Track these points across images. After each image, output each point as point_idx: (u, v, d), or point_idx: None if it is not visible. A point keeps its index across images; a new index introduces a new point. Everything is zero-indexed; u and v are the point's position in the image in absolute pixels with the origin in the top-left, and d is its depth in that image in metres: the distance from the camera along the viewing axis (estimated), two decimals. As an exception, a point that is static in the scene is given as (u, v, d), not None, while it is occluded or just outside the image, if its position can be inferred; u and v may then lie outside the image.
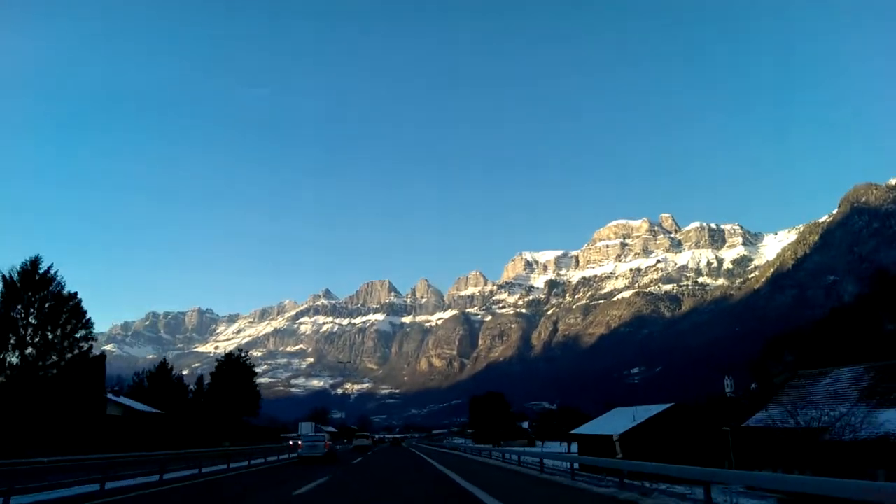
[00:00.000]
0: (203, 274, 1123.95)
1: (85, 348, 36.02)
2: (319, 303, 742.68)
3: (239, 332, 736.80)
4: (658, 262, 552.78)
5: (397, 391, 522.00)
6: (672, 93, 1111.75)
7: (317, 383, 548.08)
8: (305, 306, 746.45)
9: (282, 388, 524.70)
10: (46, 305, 34.44)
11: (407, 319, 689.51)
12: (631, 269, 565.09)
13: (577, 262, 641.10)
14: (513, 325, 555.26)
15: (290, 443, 56.47)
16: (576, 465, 24.69)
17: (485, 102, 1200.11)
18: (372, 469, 27.79)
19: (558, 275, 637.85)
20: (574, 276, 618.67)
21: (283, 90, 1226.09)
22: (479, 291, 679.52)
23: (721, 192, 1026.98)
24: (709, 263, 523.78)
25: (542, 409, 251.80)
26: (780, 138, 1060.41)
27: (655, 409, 40.93)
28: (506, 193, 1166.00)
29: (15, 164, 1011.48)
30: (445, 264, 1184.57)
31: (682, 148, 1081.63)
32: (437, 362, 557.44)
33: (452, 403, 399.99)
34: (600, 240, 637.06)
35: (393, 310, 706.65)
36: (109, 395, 48.08)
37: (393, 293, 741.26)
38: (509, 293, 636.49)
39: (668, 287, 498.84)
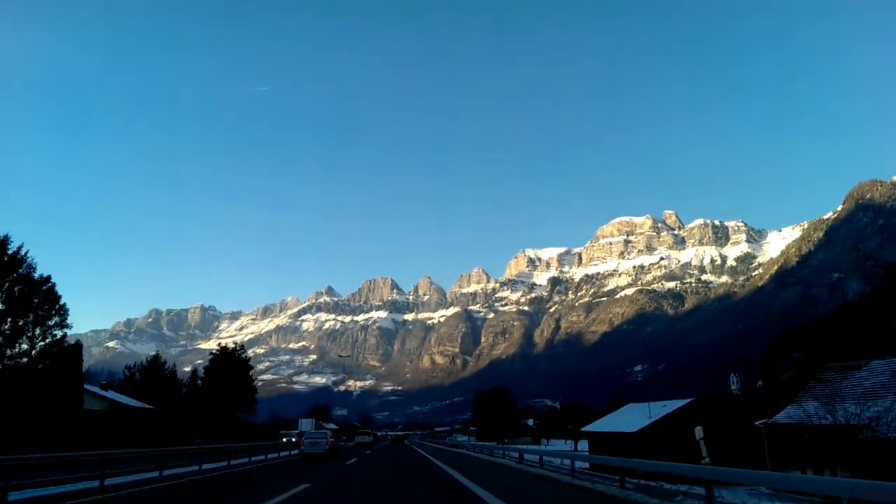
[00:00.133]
0: (206, 271, 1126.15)
1: (59, 336, 33.89)
2: (322, 300, 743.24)
3: (241, 328, 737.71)
4: (661, 259, 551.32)
5: (400, 388, 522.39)
6: (673, 90, 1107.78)
7: (319, 380, 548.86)
8: (308, 303, 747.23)
9: (284, 385, 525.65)
10: (16, 289, 32.22)
11: (409, 317, 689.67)
12: (634, 267, 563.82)
13: (580, 259, 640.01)
14: (515, 323, 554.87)
15: (284, 440, 55.50)
16: (587, 465, 23.88)
17: (486, 101, 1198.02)
18: (365, 475, 23.70)
19: (561, 272, 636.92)
20: (577, 273, 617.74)
21: (285, 87, 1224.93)
22: (482, 289, 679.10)
23: (725, 189, 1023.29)
24: (712, 260, 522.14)
25: (545, 407, 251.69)
26: (784, 135, 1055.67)
27: (672, 404, 38.86)
28: (508, 190, 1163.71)
29: (15, 163, 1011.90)
30: (448, 261, 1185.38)
31: (686, 144, 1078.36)
32: (439, 360, 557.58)
33: (455, 401, 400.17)
34: (603, 237, 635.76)
35: (395, 307, 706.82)
36: (93, 389, 46.57)
37: (395, 290, 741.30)
38: (512, 290, 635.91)
39: (671, 284, 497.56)
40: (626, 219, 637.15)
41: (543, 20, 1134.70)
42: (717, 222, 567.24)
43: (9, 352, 31.57)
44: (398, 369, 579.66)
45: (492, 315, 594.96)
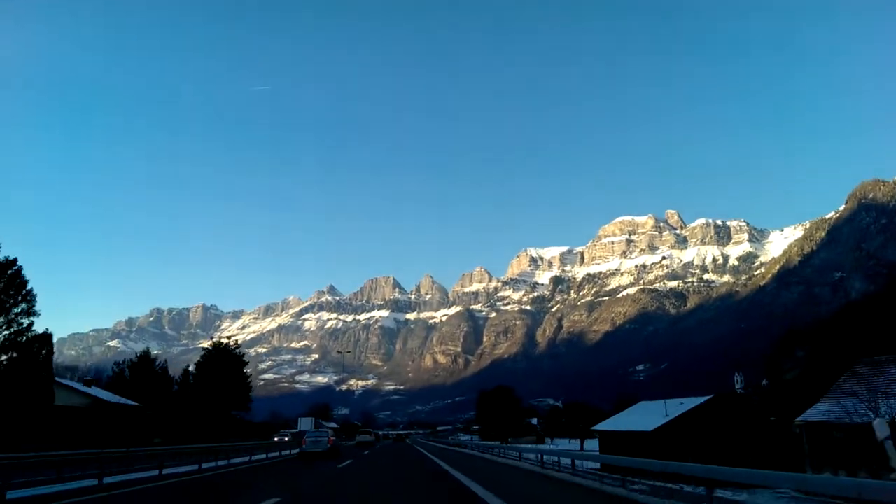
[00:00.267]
0: (207, 270, 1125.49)
1: (25, 325, 31.40)
2: (324, 299, 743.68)
3: (243, 328, 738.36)
4: (663, 258, 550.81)
5: (402, 388, 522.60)
6: (674, 89, 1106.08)
7: (321, 379, 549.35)
8: (310, 303, 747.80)
9: (286, 384, 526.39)
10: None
11: (411, 316, 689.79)
12: (636, 266, 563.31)
13: (582, 258, 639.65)
14: (517, 322, 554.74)
15: (276, 439, 54.64)
16: (596, 466, 23.42)
17: (486, 101, 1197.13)
18: (357, 483, 19.81)
19: (563, 271, 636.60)
20: (579, 272, 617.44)
21: (285, 87, 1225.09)
22: (484, 288, 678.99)
23: (727, 189, 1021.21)
24: (714, 260, 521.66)
25: (547, 406, 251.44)
26: (786, 135, 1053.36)
27: (689, 402, 37.01)
28: (510, 189, 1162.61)
29: (15, 163, 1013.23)
30: (450, 261, 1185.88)
31: (687, 144, 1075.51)
32: (441, 359, 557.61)
33: (457, 400, 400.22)
34: (605, 236, 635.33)
35: (397, 306, 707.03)
36: (73, 384, 44.89)
37: (397, 290, 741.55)
38: (514, 290, 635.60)
39: (673, 284, 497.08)
40: (628, 218, 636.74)
41: (543, 20, 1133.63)
42: (719, 222, 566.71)
43: None
44: (400, 369, 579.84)
45: (494, 314, 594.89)
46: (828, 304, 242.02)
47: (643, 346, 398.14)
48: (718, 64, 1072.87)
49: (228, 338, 66.89)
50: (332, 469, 25.27)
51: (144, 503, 15.25)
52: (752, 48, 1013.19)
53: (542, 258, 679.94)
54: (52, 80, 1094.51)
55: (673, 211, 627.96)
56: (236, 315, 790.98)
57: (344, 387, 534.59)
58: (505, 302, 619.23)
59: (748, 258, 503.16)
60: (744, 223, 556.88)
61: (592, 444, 75.33)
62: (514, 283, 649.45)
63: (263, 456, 37.77)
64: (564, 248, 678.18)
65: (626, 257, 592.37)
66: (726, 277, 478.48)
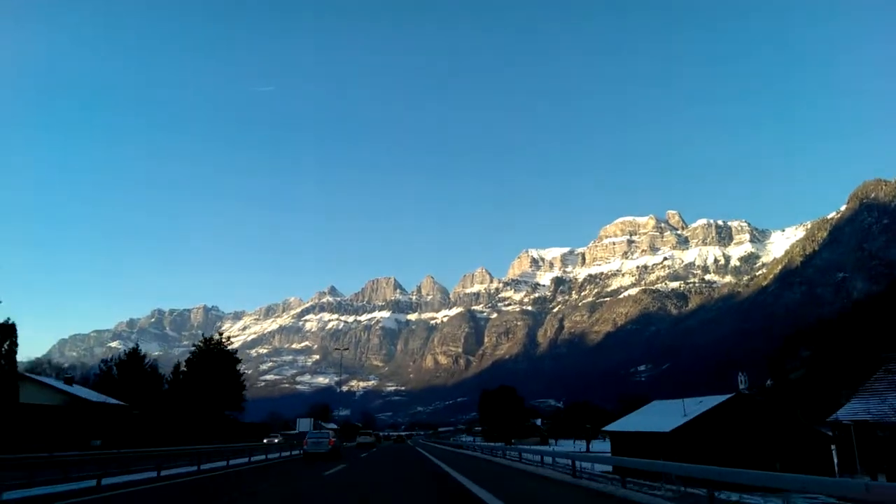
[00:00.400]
0: (208, 271, 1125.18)
1: None
2: (325, 300, 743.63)
3: (244, 329, 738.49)
4: (665, 259, 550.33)
5: (403, 388, 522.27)
6: (675, 89, 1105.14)
7: (322, 380, 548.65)
8: (311, 303, 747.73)
9: (287, 385, 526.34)
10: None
11: (412, 317, 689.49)
12: (637, 267, 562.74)
13: (584, 259, 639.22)
14: (519, 323, 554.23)
15: (266, 441, 53.25)
16: (608, 468, 22.65)
17: (487, 101, 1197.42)
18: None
19: (564, 272, 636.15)
20: (580, 273, 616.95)
21: (286, 87, 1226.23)
22: (485, 289, 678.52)
23: (728, 189, 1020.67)
24: (716, 260, 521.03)
25: (549, 407, 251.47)
26: (787, 135, 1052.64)
27: (709, 401, 35.37)
28: (511, 190, 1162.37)
29: (15, 163, 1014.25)
30: (451, 261, 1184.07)
31: (689, 144, 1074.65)
32: (442, 360, 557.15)
33: (458, 401, 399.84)
34: (607, 237, 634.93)
35: (398, 307, 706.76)
36: (50, 381, 42.94)
37: (398, 290, 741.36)
38: (515, 290, 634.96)
39: (675, 284, 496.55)
40: (630, 219, 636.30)
41: (543, 20, 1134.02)
42: (720, 222, 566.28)
43: None
44: (401, 369, 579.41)
45: (495, 315, 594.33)
46: (830, 305, 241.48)
47: (645, 346, 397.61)
48: (718, 64, 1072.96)
49: (220, 334, 63.36)
50: (318, 478, 21.12)
51: None
52: (752, 48, 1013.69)
53: (543, 259, 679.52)
54: (52, 80, 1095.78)
55: (674, 211, 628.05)
56: (237, 316, 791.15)
57: (345, 387, 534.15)
58: (506, 303, 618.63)
59: (750, 259, 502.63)
60: (745, 223, 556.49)
61: (598, 446, 74.68)
62: (515, 283, 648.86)
63: (246, 460, 34.14)
64: (566, 249, 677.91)
65: (627, 258, 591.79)
66: (728, 278, 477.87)
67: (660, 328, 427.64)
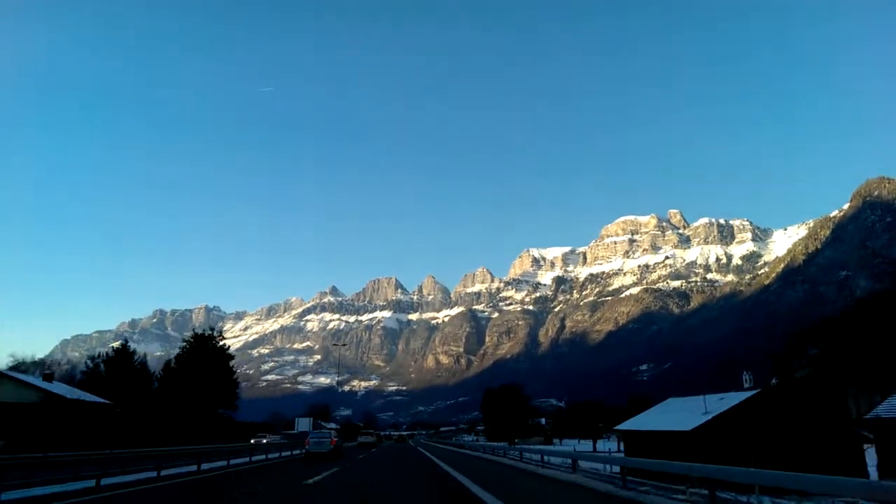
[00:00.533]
0: (210, 271, 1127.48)
1: None
2: (326, 300, 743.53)
3: (246, 329, 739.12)
4: (666, 258, 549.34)
5: (404, 388, 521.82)
6: (676, 89, 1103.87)
7: (324, 380, 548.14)
8: (312, 303, 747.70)
9: (289, 385, 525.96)
10: None
11: (414, 316, 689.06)
12: (639, 266, 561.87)
13: (585, 258, 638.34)
14: (520, 322, 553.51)
15: (253, 441, 50.70)
16: (615, 469, 22.15)
17: (488, 100, 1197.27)
18: None
19: (566, 271, 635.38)
20: (582, 272, 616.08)
21: (286, 87, 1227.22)
22: (486, 288, 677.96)
23: (729, 188, 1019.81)
24: (718, 259, 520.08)
25: (551, 407, 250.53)
26: (788, 133, 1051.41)
27: (732, 397, 33.34)
28: (512, 190, 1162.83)
29: (15, 163, 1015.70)
30: (452, 261, 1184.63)
31: (690, 143, 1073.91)
32: (443, 359, 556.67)
33: (459, 400, 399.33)
34: (608, 236, 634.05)
35: (400, 307, 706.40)
36: (25, 377, 40.98)
37: (400, 290, 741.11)
38: (516, 290, 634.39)
39: (676, 283, 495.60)
40: (631, 218, 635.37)
41: (544, 20, 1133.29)
42: (722, 221, 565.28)
43: None
44: (403, 369, 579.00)
45: (496, 315, 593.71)
46: (833, 303, 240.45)
47: (646, 345, 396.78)
48: (718, 64, 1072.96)
49: (212, 329, 60.17)
50: (296, 491, 16.81)
51: None
52: (752, 48, 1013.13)
53: (544, 258, 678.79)
54: (52, 80, 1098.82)
55: (675, 210, 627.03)
56: (239, 316, 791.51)
57: (346, 387, 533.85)
58: (507, 302, 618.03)
59: (751, 257, 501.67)
60: (747, 222, 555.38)
61: (603, 446, 73.91)
62: (516, 283, 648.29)
63: (224, 464, 29.11)
64: (567, 248, 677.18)
65: (628, 257, 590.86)
66: (730, 277, 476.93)
67: (661, 327, 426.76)
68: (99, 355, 52.51)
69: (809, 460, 26.22)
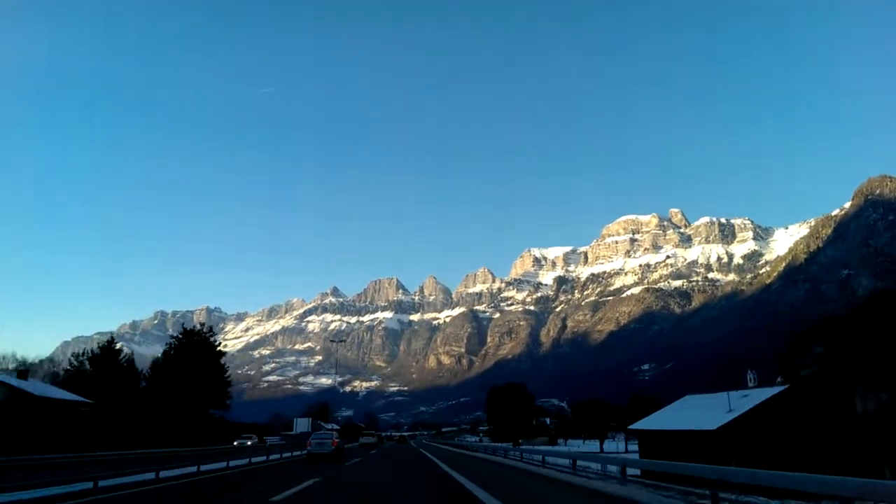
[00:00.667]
0: (210, 272, 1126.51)
1: None
2: (327, 301, 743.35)
3: (247, 330, 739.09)
4: (668, 257, 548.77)
5: (406, 389, 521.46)
6: (677, 88, 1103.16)
7: (325, 381, 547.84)
8: (313, 304, 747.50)
9: (290, 386, 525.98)
10: None
11: (415, 317, 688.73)
12: (640, 265, 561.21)
13: (586, 258, 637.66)
14: (521, 323, 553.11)
15: (236, 443, 47.11)
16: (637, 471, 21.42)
17: (489, 100, 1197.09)
18: None
19: (567, 271, 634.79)
20: (583, 272, 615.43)
21: (286, 87, 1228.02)
22: (488, 288, 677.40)
23: (730, 187, 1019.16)
24: (719, 258, 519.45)
25: (553, 407, 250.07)
26: (789, 132, 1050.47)
27: (757, 394, 31.28)
28: (512, 190, 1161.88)
29: (15, 163, 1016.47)
30: (453, 261, 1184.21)
31: (691, 142, 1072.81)
32: (445, 360, 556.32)
33: (461, 401, 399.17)
34: (609, 235, 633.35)
35: (401, 307, 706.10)
36: None
37: (401, 291, 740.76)
38: (518, 290, 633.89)
39: (677, 283, 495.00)
40: (632, 217, 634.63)
41: (544, 20, 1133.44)
42: (723, 220, 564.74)
43: None
44: (404, 370, 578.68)
45: (497, 315, 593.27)
46: (835, 302, 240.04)
47: (648, 345, 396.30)
48: (718, 64, 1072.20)
49: (202, 324, 57.84)
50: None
51: None
52: (752, 48, 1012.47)
53: (545, 258, 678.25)
54: (52, 80, 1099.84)
55: (676, 210, 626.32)
56: (240, 317, 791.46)
57: (348, 388, 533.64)
58: (509, 302, 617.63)
59: (753, 256, 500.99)
60: (748, 221, 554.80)
61: (610, 446, 73.28)
62: (517, 283, 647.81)
63: (175, 472, 23.35)
64: (568, 248, 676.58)
65: (629, 256, 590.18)
66: (731, 276, 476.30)
67: (663, 327, 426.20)
68: (84, 353, 50.10)
69: (837, 461, 25.13)
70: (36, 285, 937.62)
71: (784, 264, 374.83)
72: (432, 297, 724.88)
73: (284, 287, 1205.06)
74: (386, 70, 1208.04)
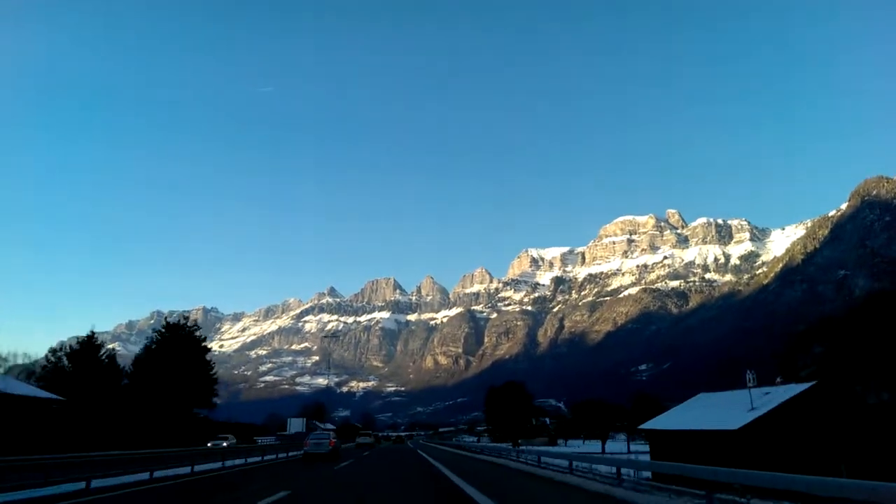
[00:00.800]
0: (208, 272, 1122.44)
1: None
2: (324, 301, 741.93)
3: (244, 330, 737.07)
4: (665, 258, 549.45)
5: (403, 389, 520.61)
6: (675, 89, 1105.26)
7: (322, 381, 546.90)
8: (310, 304, 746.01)
9: (287, 386, 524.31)
10: None
11: (412, 317, 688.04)
12: (637, 266, 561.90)
13: (584, 258, 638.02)
14: (519, 323, 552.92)
15: (210, 444, 45.26)
16: (647, 475, 20.85)
17: (487, 100, 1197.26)
18: None
19: (564, 272, 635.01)
20: (580, 272, 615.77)
21: (286, 87, 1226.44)
22: (485, 289, 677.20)
23: (727, 188, 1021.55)
24: (716, 259, 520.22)
25: (550, 407, 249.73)
26: (787, 133, 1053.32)
27: (780, 392, 29.93)
28: (511, 190, 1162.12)
29: (15, 163, 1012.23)
30: (450, 262, 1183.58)
31: (688, 143, 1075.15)
32: (442, 360, 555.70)
33: (458, 401, 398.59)
34: (606, 236, 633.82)
35: (398, 307, 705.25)
36: None
37: (398, 291, 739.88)
38: (515, 290, 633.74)
39: (675, 283, 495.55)
40: (629, 218, 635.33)
41: (544, 20, 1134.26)
42: (720, 221, 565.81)
43: None
44: (401, 370, 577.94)
45: (495, 315, 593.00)
46: (832, 302, 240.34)
47: (645, 345, 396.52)
48: (718, 64, 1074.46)
49: (186, 318, 55.55)
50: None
51: None
52: (752, 48, 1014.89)
53: (543, 258, 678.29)
54: (52, 80, 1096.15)
55: (674, 210, 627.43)
56: (237, 317, 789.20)
57: (345, 388, 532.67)
58: (506, 302, 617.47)
59: (750, 257, 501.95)
60: (745, 222, 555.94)
61: (612, 447, 72.73)
62: (515, 283, 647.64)
63: (127, 479, 20.24)
64: (565, 249, 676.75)
65: (627, 257, 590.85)
66: (728, 276, 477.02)
67: (660, 327, 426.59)
68: (61, 348, 46.62)
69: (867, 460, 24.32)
70: (34, 284, 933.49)
71: (781, 265, 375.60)
72: (429, 298, 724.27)
73: (281, 287, 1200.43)
74: (386, 70, 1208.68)
